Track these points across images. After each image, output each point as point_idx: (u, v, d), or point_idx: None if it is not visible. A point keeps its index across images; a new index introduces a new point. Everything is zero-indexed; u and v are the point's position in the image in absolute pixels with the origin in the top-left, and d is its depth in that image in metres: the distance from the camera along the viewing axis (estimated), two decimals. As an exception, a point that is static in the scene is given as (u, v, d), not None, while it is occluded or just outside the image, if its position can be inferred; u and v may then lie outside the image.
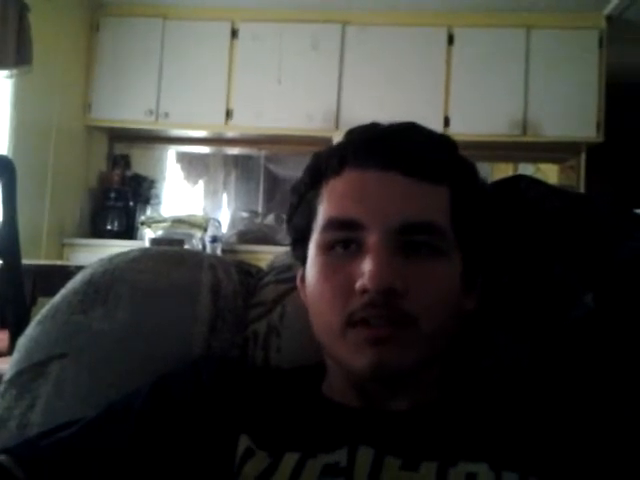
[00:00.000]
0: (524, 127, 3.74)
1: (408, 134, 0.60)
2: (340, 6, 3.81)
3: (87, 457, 0.56)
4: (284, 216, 0.70)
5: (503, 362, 0.67)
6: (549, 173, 4.25)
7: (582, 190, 3.89)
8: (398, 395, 0.58)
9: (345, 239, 0.57)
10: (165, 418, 0.58)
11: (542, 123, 3.72)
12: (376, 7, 3.81)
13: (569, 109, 3.71)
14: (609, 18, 3.73)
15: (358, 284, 0.53)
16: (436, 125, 3.68)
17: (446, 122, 3.72)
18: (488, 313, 0.68)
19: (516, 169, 4.38)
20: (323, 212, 0.59)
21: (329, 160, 0.61)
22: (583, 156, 3.95)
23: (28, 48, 3.18)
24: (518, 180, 0.75)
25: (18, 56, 3.14)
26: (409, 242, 0.55)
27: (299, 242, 0.63)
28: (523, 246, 0.70)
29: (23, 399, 0.68)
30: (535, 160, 4.32)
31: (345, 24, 3.86)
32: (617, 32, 3.71)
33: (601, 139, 3.71)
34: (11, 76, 3.18)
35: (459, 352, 0.66)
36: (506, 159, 4.39)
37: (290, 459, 0.54)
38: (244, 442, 0.56)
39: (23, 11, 3.17)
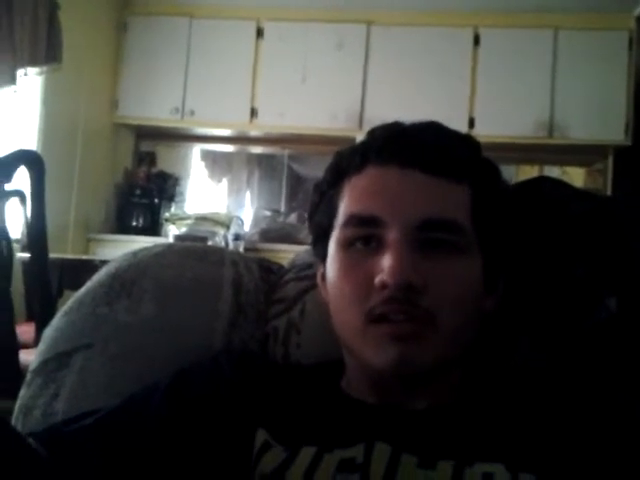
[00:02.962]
0: (550, 129, 3.69)
1: (430, 132, 0.60)
2: (365, 6, 3.81)
3: (108, 444, 0.57)
4: (306, 215, 0.70)
5: (523, 365, 0.66)
6: (575, 176, 4.20)
7: (609, 194, 3.82)
8: (417, 394, 0.58)
9: (365, 235, 0.57)
10: (184, 411, 0.59)
11: (569, 125, 3.67)
12: (401, 7, 3.80)
13: (597, 111, 3.65)
14: (639, 19, 3.67)
15: (377, 279, 0.54)
16: (461, 126, 3.65)
17: (471, 123, 3.70)
18: (510, 315, 0.67)
19: (541, 171, 4.32)
20: (344, 209, 0.60)
21: (351, 158, 0.61)
22: (610, 159, 3.88)
23: (58, 46, 3.24)
24: (541, 181, 0.74)
25: (48, 54, 3.19)
26: (429, 239, 0.56)
27: (320, 240, 0.64)
28: (546, 248, 0.70)
29: (48, 388, 0.70)
30: (561, 163, 4.27)
31: (370, 24, 3.86)
32: (647, 33, 3.65)
33: (629, 142, 3.65)
34: (41, 73, 3.24)
35: (480, 354, 0.66)
36: (531, 161, 4.34)
37: (307, 453, 0.54)
38: (261, 436, 0.57)
39: (54, 9, 3.23)
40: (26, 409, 0.70)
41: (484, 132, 3.55)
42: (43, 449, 0.54)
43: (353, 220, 0.58)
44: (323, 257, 0.63)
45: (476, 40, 3.78)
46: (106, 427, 0.59)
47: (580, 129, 3.66)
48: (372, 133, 0.63)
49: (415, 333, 0.54)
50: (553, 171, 4.28)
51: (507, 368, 0.67)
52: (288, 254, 3.04)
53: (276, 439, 0.56)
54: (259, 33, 3.95)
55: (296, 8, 3.88)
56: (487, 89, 3.74)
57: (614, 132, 3.65)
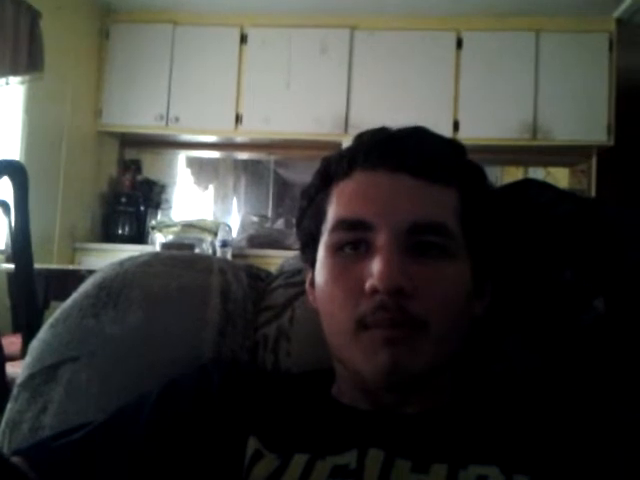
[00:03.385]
0: (534, 131, 3.73)
1: (417, 137, 0.61)
2: (348, 11, 3.82)
3: (98, 459, 0.56)
4: (294, 220, 0.70)
5: (514, 367, 0.67)
6: (560, 177, 4.24)
7: (593, 194, 3.86)
8: (409, 399, 0.58)
9: (354, 240, 0.57)
10: (174, 421, 0.59)
11: (552, 127, 3.71)
12: (384, 11, 3.82)
13: (579, 112, 3.69)
14: (619, 21, 3.72)
15: (368, 284, 0.54)
16: (445, 129, 3.70)
17: (455, 126, 3.72)
18: (498, 318, 0.67)
19: (526, 173, 4.36)
20: (332, 213, 0.60)
21: (338, 163, 0.61)
22: (594, 160, 3.93)
23: (40, 55, 3.22)
24: (527, 184, 0.75)
25: (30, 63, 3.17)
26: (418, 243, 0.56)
27: (308, 245, 0.63)
28: (533, 250, 0.70)
29: (35, 402, 0.69)
30: (545, 164, 4.31)
31: (353, 29, 3.87)
32: (627, 35, 3.69)
33: (612, 143, 3.70)
34: (23, 82, 3.21)
35: (470, 357, 0.66)
36: (516, 163, 4.38)
37: (299, 460, 0.54)
38: (253, 444, 0.56)
39: (35, 18, 3.21)
40: (13, 423, 0.69)
41: (469, 135, 3.58)
42: (32, 472, 0.53)
43: (342, 225, 0.58)
44: (312, 263, 0.63)
45: (459, 43, 3.81)
46: (95, 442, 0.58)
47: (563, 130, 3.70)
48: (359, 138, 0.63)
49: (405, 338, 0.54)
50: (538, 172, 4.32)
51: (498, 370, 0.67)
52: (276, 260, 3.03)
53: (268, 447, 0.56)
54: (243, 39, 3.95)
55: (279, 13, 3.89)
56: (471, 92, 3.76)
57: (597, 133, 3.69)
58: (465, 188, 0.60)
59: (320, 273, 0.60)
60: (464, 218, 0.58)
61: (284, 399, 0.61)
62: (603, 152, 3.84)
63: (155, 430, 0.58)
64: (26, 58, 3.15)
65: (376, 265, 0.53)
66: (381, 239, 0.55)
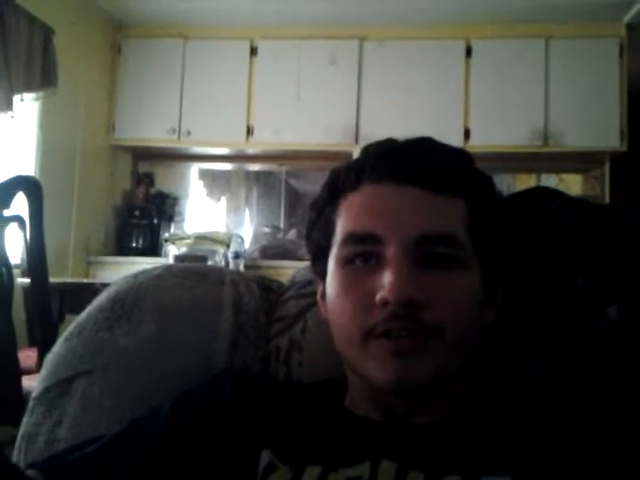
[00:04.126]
0: (545, 137, 3.71)
1: (423, 148, 0.61)
2: (357, 22, 3.84)
3: (111, 472, 0.57)
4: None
5: (526, 376, 0.66)
6: (572, 183, 4.21)
7: (607, 200, 3.83)
8: (421, 409, 0.58)
9: (364, 253, 0.57)
10: (187, 433, 0.59)
11: (564, 133, 3.69)
12: (393, 22, 3.83)
13: (591, 118, 3.67)
14: (629, 26, 3.70)
15: (378, 296, 0.54)
16: (457, 137, 3.69)
17: (466, 134, 3.72)
18: (511, 327, 0.67)
19: (539, 180, 4.34)
20: (341, 227, 0.60)
21: (346, 175, 0.61)
22: (607, 166, 3.90)
23: (53, 71, 3.27)
24: (537, 192, 0.74)
25: (44, 79, 3.22)
26: (428, 254, 0.56)
27: (319, 258, 0.64)
28: (544, 258, 0.70)
29: (51, 415, 0.69)
30: (558, 170, 4.28)
31: (362, 39, 3.89)
32: (638, 40, 3.68)
33: (625, 148, 3.67)
34: (37, 98, 3.26)
35: (482, 366, 0.66)
36: (528, 170, 4.36)
37: (312, 473, 0.54)
38: (266, 457, 0.56)
39: (48, 35, 3.26)
40: (29, 436, 0.70)
41: (480, 143, 3.58)
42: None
43: (351, 238, 0.58)
44: (322, 275, 0.63)
45: (468, 52, 3.81)
46: (108, 455, 0.58)
47: (575, 136, 3.68)
48: (366, 150, 0.63)
49: (417, 348, 0.54)
50: (550, 179, 4.29)
51: (510, 379, 0.67)
52: (289, 270, 3.03)
53: (281, 459, 0.56)
54: (253, 51, 3.98)
55: (289, 25, 3.92)
56: (481, 100, 3.76)
57: (609, 138, 3.67)
58: (473, 197, 0.60)
59: (331, 285, 0.60)
60: (473, 227, 0.58)
61: (297, 410, 0.61)
62: (616, 158, 3.82)
63: (168, 442, 0.58)
64: (40, 74, 3.20)
65: (387, 277, 0.54)
66: (390, 251, 0.55)
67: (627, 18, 3.65)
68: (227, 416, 0.60)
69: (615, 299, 0.66)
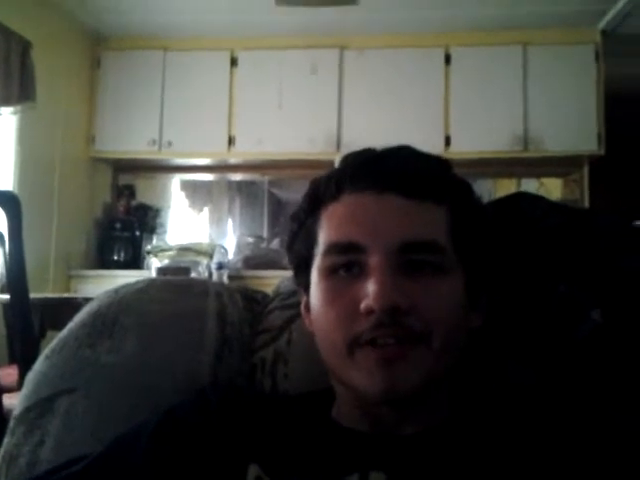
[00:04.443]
0: (525, 142, 3.75)
1: (402, 156, 0.61)
2: (337, 31, 3.87)
3: None
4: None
5: (511, 383, 0.66)
6: (553, 187, 4.26)
7: (587, 203, 3.89)
8: (408, 418, 0.58)
9: (347, 262, 0.57)
10: (174, 449, 0.58)
11: (543, 138, 3.74)
12: (373, 31, 3.86)
13: (569, 123, 3.72)
14: (604, 32, 3.76)
15: (363, 305, 0.53)
16: (437, 144, 3.72)
17: (447, 141, 3.74)
18: (495, 334, 0.67)
19: (519, 185, 4.38)
20: (323, 237, 0.60)
21: (326, 186, 0.61)
22: (586, 169, 3.95)
23: (31, 84, 3.24)
24: (519, 197, 0.75)
25: (22, 93, 3.19)
26: (410, 261, 0.56)
27: (301, 269, 0.63)
28: (526, 264, 0.70)
29: (32, 435, 0.68)
30: (538, 175, 4.33)
31: (343, 48, 3.91)
32: (613, 46, 3.74)
33: (602, 152, 3.72)
34: (15, 112, 3.22)
35: (467, 373, 0.66)
36: (509, 175, 4.40)
37: None
38: (253, 471, 0.56)
39: (26, 48, 3.23)
40: (10, 457, 0.68)
41: (460, 149, 3.61)
42: None
43: (334, 248, 0.58)
44: (305, 286, 0.63)
45: (447, 59, 3.85)
46: (94, 473, 0.57)
47: (554, 141, 3.73)
48: (345, 160, 0.63)
49: (403, 355, 0.54)
50: (531, 183, 4.34)
51: (495, 386, 0.67)
52: (273, 280, 3.02)
53: (268, 474, 0.55)
54: (233, 62, 3.98)
55: (269, 36, 3.93)
56: (461, 107, 3.79)
57: (587, 143, 3.72)
58: (453, 203, 0.60)
59: (314, 296, 0.60)
60: (454, 234, 0.58)
61: (284, 423, 0.61)
62: (594, 161, 3.87)
63: (154, 459, 0.58)
64: (18, 88, 3.16)
65: (371, 286, 0.53)
66: (373, 260, 0.55)
67: (602, 24, 3.72)
68: (214, 430, 0.59)
69: (598, 303, 0.67)
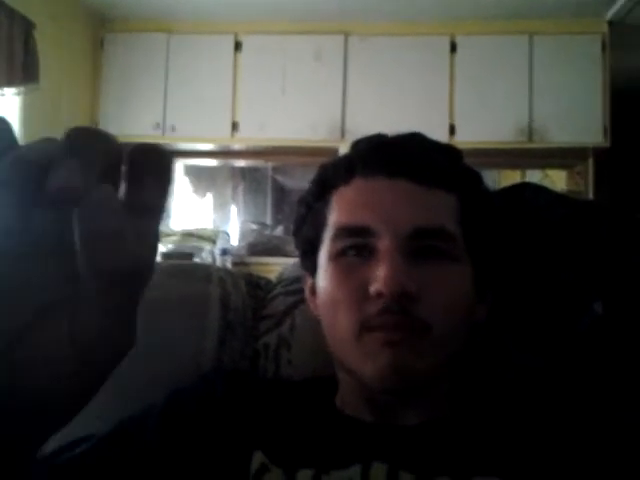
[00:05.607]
0: (530, 133, 3.73)
1: (414, 142, 0.61)
2: (342, 17, 3.84)
3: (102, 473, 0.56)
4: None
5: (514, 374, 0.67)
6: (557, 179, 4.24)
7: (591, 195, 3.87)
8: (410, 407, 0.58)
9: (357, 245, 0.57)
10: (178, 434, 0.59)
11: (548, 129, 3.72)
12: (378, 17, 3.83)
13: (575, 114, 3.70)
14: (611, 23, 3.73)
15: (373, 288, 0.54)
16: (442, 133, 3.70)
17: (451, 130, 3.73)
18: (498, 325, 0.67)
19: (524, 176, 4.36)
20: (333, 221, 0.60)
21: (336, 170, 0.61)
22: (591, 161, 3.93)
23: (35, 66, 3.22)
24: (523, 188, 0.75)
25: (25, 74, 3.17)
26: (420, 247, 0.56)
27: (308, 253, 0.63)
28: (530, 255, 0.70)
29: (37, 415, 0.68)
30: (542, 166, 4.31)
31: (347, 35, 3.89)
32: (620, 36, 3.71)
33: (608, 144, 3.70)
34: (19, 93, 3.21)
35: (470, 364, 0.66)
36: (513, 166, 4.38)
37: (304, 476, 0.54)
38: (258, 458, 0.56)
39: (29, 29, 3.21)
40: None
41: (465, 139, 3.59)
42: None
43: (344, 232, 0.58)
44: (312, 270, 0.63)
45: (453, 47, 3.82)
46: (100, 455, 0.57)
47: (559, 132, 3.71)
48: (356, 145, 0.63)
49: (408, 341, 0.54)
50: (535, 175, 4.32)
51: (499, 377, 0.67)
52: (276, 267, 3.03)
53: (273, 461, 0.56)
54: (237, 47, 3.95)
55: (273, 21, 3.90)
56: (466, 96, 3.77)
57: (593, 134, 3.70)
58: (463, 192, 0.60)
59: (322, 279, 0.60)
60: (464, 222, 0.59)
61: (288, 410, 0.61)
62: (600, 153, 3.85)
63: (161, 441, 0.58)
64: (21, 69, 3.15)
65: (381, 270, 0.53)
66: (384, 244, 0.55)
67: (609, 15, 3.68)
68: (219, 415, 0.60)
69: (600, 295, 0.67)
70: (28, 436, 0.29)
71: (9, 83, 3.10)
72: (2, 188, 0.26)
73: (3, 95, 3.09)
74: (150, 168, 0.28)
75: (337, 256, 0.58)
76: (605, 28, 3.75)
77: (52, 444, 0.63)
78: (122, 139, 0.31)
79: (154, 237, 0.29)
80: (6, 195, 0.26)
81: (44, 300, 0.27)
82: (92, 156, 0.27)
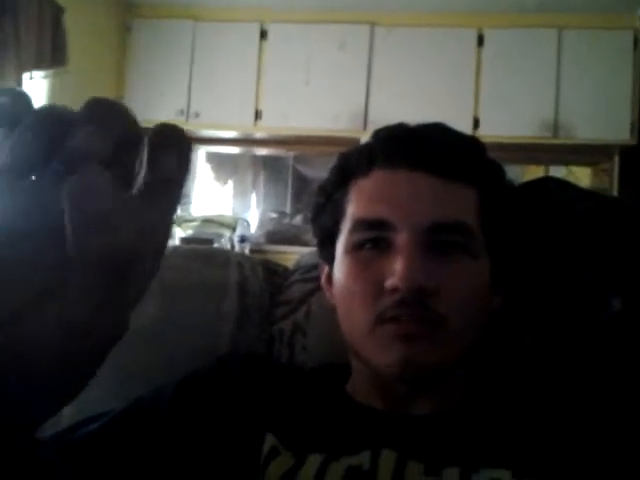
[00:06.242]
0: (555, 129, 3.68)
1: (436, 134, 0.60)
2: (368, 7, 3.81)
3: (117, 450, 0.57)
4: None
5: (528, 368, 0.66)
6: (581, 176, 4.18)
7: (616, 193, 3.80)
8: (423, 397, 0.58)
9: (374, 238, 0.57)
10: (192, 414, 0.59)
11: (574, 125, 3.66)
12: (404, 8, 3.79)
13: (602, 111, 3.64)
14: (644, 18, 3.66)
15: (389, 283, 0.53)
16: (465, 126, 3.65)
17: (476, 123, 3.69)
18: (515, 316, 0.67)
19: (547, 172, 4.30)
20: (352, 213, 0.60)
21: (357, 160, 0.61)
22: (616, 159, 3.87)
23: (63, 49, 3.25)
24: (546, 182, 0.74)
25: (53, 57, 3.21)
26: (439, 241, 0.55)
27: (326, 241, 0.63)
28: (552, 248, 0.69)
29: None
30: (567, 163, 4.25)
31: (373, 25, 3.86)
32: (652, 32, 3.64)
33: (635, 142, 3.64)
34: (47, 77, 3.25)
35: (484, 356, 0.66)
36: (537, 161, 4.33)
37: (314, 460, 0.54)
38: (270, 441, 0.56)
39: (58, 13, 3.24)
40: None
41: (489, 132, 3.55)
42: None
43: (362, 224, 0.58)
44: (329, 259, 0.63)
45: (480, 40, 3.77)
46: (115, 432, 0.58)
47: (585, 129, 3.65)
48: (377, 134, 0.62)
49: (423, 333, 0.54)
50: (559, 171, 4.26)
51: (512, 370, 0.67)
52: (294, 256, 3.03)
53: (284, 444, 0.56)
54: (263, 35, 3.95)
55: (299, 9, 3.89)
56: (491, 89, 3.73)
57: (619, 132, 3.64)
58: (485, 187, 0.59)
59: (339, 270, 0.60)
60: (484, 217, 0.58)
61: (301, 395, 0.61)
62: (626, 151, 3.78)
63: (172, 422, 0.59)
64: (50, 53, 3.19)
65: (398, 264, 0.53)
66: (402, 238, 0.55)
67: (642, 10, 3.61)
68: (233, 397, 0.60)
69: (619, 291, 0.66)
70: (20, 420, 0.28)
71: (38, 66, 3.13)
72: (27, 133, 0.26)
73: (32, 78, 3.13)
74: (170, 142, 0.29)
75: (354, 249, 0.58)
76: (637, 24, 3.67)
77: (68, 420, 0.65)
78: (146, 124, 0.31)
79: (169, 216, 0.30)
80: (29, 140, 0.26)
81: (43, 282, 0.27)
82: (108, 125, 0.27)
